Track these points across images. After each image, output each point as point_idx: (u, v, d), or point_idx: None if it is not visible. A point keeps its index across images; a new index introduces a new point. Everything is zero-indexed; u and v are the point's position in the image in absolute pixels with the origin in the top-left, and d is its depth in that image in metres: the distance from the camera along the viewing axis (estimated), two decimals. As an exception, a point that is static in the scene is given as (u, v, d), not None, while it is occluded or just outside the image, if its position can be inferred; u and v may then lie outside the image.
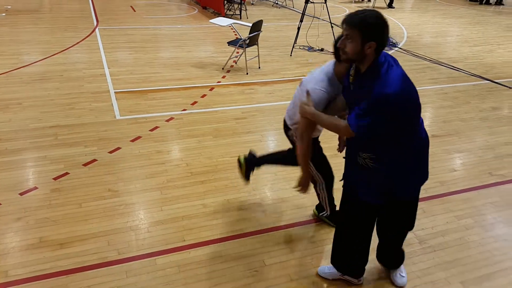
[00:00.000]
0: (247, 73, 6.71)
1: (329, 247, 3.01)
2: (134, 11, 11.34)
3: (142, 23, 9.88)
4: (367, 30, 1.94)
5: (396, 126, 2.04)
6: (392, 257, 2.75)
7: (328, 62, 2.51)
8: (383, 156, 2.18)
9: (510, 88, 6.61)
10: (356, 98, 2.11)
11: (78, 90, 5.62)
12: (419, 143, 2.21)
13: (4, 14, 9.98)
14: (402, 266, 2.79)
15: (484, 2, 16.32)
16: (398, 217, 2.48)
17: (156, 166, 3.94)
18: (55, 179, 3.68)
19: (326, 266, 2.78)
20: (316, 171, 3.01)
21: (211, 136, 4.58)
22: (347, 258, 2.60)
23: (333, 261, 2.69)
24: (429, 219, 3.37)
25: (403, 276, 2.74)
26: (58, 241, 2.96)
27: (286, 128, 2.97)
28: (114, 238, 3.01)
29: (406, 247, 3.04)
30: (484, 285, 2.73)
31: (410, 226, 2.55)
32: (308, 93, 2.40)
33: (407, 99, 2.00)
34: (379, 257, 2.81)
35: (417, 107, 2.08)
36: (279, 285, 2.67)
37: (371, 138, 2.14)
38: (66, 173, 3.76)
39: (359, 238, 2.52)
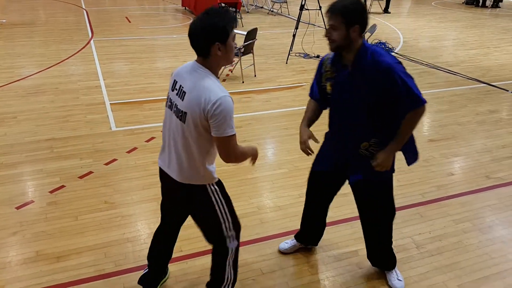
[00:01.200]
0: (243, 82, 6.72)
1: (325, 254, 3.00)
2: (129, 22, 11.39)
3: (137, 34, 9.92)
4: (349, 15, 2.10)
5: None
6: (382, 257, 2.75)
7: None
8: (386, 138, 2.32)
9: (507, 91, 6.62)
10: (357, 88, 2.22)
11: (73, 103, 5.63)
12: None
13: None
14: (397, 271, 2.79)
15: (480, 5, 16.42)
16: (376, 198, 2.56)
17: (153, 177, 3.93)
18: (51, 192, 3.66)
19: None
20: (230, 221, 2.28)
21: (207, 145, 4.57)
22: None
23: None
24: (426, 223, 3.36)
25: (400, 280, 2.73)
26: (55, 255, 2.94)
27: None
28: (111, 250, 3.00)
29: (404, 252, 3.03)
30: (483, 289, 2.72)
31: (391, 210, 2.59)
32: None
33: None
34: (370, 258, 2.82)
35: None
36: (277, 294, 2.66)
37: (386, 119, 2.28)
38: (62, 186, 3.75)
39: (306, 202, 2.87)
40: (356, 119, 2.30)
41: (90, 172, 3.98)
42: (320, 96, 2.49)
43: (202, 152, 2.05)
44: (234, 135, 1.96)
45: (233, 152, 2.01)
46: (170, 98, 2.09)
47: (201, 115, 1.91)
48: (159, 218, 3.33)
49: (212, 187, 2.18)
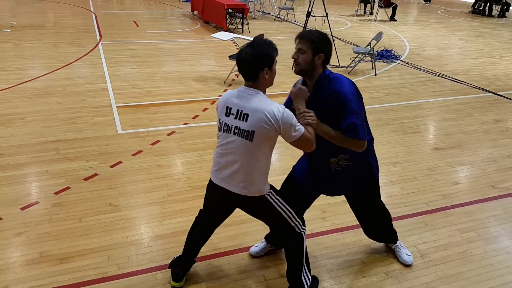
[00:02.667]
0: (249, 87, 6.73)
1: (329, 262, 2.98)
2: (137, 26, 11.47)
3: (145, 38, 9.98)
4: (317, 43, 2.35)
5: (364, 113, 2.46)
6: (384, 232, 2.99)
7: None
8: (354, 153, 2.50)
9: (512, 100, 6.60)
10: (318, 111, 2.37)
11: (80, 105, 5.66)
12: (371, 136, 2.65)
13: (9, 30, 10.12)
14: (404, 246, 3.04)
15: (486, 14, 16.40)
16: (369, 198, 2.81)
17: (157, 180, 3.94)
18: (56, 193, 3.68)
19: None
20: (292, 213, 2.52)
21: (212, 149, 4.59)
22: None
23: None
24: (431, 232, 3.34)
25: (409, 255, 2.99)
26: (59, 256, 2.95)
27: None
28: (114, 253, 3.00)
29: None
30: (488, 300, 2.70)
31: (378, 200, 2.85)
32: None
33: (360, 95, 2.47)
34: (373, 236, 3.01)
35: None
36: (280, 300, 2.65)
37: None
38: (67, 188, 3.77)
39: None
40: (321, 137, 2.42)
41: (95, 174, 4.00)
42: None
43: (265, 164, 2.36)
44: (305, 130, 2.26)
45: (312, 141, 2.29)
46: (226, 123, 2.33)
47: (271, 129, 2.20)
48: (162, 222, 3.35)
49: (269, 193, 2.45)
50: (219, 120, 2.38)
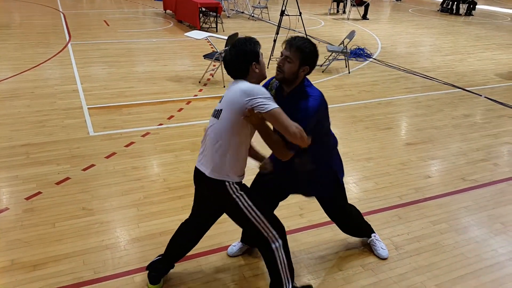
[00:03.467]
0: (224, 86, 6.72)
1: (307, 257, 3.01)
2: (108, 25, 11.27)
3: (116, 38, 9.82)
4: (307, 55, 2.31)
5: (324, 125, 2.50)
6: (358, 228, 3.04)
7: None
8: (316, 154, 2.53)
9: (480, 95, 6.81)
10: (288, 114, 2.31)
11: (49, 107, 5.52)
12: (335, 140, 2.69)
13: (-27, 31, 9.77)
14: (379, 240, 3.10)
15: (454, 12, 16.86)
16: (336, 199, 2.84)
17: (132, 183, 3.89)
18: (27, 199, 3.58)
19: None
20: (266, 222, 2.41)
21: (188, 150, 4.56)
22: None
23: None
24: (405, 225, 3.41)
25: (384, 249, 3.06)
26: (31, 263, 2.87)
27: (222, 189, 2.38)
28: (90, 258, 2.95)
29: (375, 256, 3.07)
30: (457, 287, 2.78)
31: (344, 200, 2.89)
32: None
33: (326, 107, 2.45)
34: (348, 232, 3.05)
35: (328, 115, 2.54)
36: (259, 298, 2.66)
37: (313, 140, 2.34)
38: (39, 193, 3.67)
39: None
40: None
41: (67, 178, 3.91)
42: None
43: (233, 152, 2.33)
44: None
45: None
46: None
47: (238, 102, 2.21)
48: (139, 224, 3.31)
49: (239, 194, 2.38)
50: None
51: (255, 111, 2.19)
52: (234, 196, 2.35)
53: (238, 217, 2.43)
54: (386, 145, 4.86)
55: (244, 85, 2.24)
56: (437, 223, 3.46)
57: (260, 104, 2.17)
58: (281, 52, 2.38)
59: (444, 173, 4.31)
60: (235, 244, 3.07)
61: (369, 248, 3.11)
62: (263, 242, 2.42)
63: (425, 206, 3.70)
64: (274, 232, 2.41)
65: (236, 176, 2.36)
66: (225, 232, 3.25)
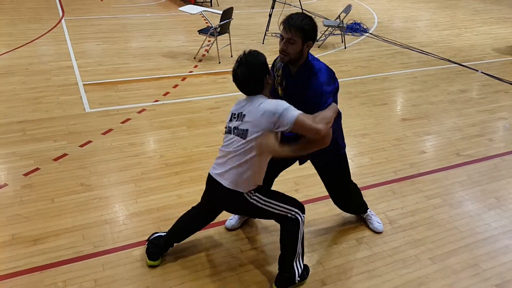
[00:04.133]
0: (219, 62, 6.67)
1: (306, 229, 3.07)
2: (101, 0, 11.06)
3: (109, 13, 9.66)
4: (308, 32, 2.30)
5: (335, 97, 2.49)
6: (355, 205, 3.05)
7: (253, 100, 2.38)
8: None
9: (476, 71, 6.80)
10: (293, 95, 2.43)
11: (45, 84, 5.48)
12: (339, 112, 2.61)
13: (-37, 5, 9.57)
14: (374, 215, 3.16)
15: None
16: (337, 173, 2.85)
17: (130, 159, 3.90)
18: (25, 175, 3.60)
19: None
20: (285, 206, 2.49)
21: (184, 126, 4.56)
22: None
23: None
24: (399, 200, 3.47)
25: (380, 223, 3.12)
26: (32, 238, 2.91)
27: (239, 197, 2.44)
28: (89, 232, 2.99)
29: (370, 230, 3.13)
30: (450, 260, 2.85)
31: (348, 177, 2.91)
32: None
33: (335, 78, 2.47)
34: (344, 209, 3.07)
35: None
36: (257, 269, 2.72)
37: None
38: (37, 169, 3.69)
39: None
40: None
41: (65, 155, 3.92)
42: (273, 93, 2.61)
43: (255, 169, 2.40)
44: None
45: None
46: (228, 126, 2.44)
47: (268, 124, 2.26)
48: (137, 200, 3.35)
49: (255, 196, 2.45)
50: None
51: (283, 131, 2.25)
52: (251, 200, 2.44)
53: (257, 214, 2.55)
54: (382, 121, 4.89)
55: (266, 104, 2.27)
56: (431, 197, 3.52)
57: (286, 121, 2.20)
58: (281, 35, 2.36)
59: (439, 148, 4.35)
60: (232, 217, 3.11)
61: (364, 223, 3.17)
62: (289, 221, 2.48)
63: (419, 181, 3.75)
64: (296, 210, 2.48)
65: (255, 185, 2.44)
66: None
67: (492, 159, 4.16)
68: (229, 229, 3.07)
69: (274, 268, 2.71)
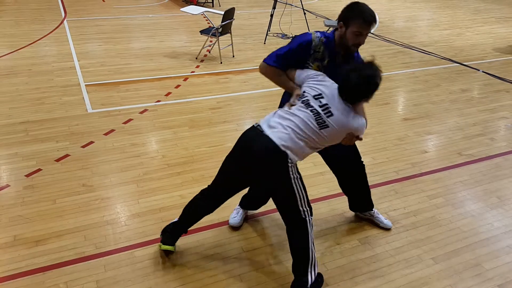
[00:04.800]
0: (221, 62, 6.68)
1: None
2: (103, 1, 11.08)
3: (111, 13, 9.68)
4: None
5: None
6: (366, 199, 3.09)
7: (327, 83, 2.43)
8: None
9: (478, 70, 6.79)
10: (335, 73, 2.42)
11: (47, 84, 5.49)
12: None
13: (-34, 7, 9.60)
14: (379, 213, 3.18)
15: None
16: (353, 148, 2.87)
17: (132, 159, 3.91)
18: (27, 176, 3.61)
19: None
20: (305, 198, 2.43)
21: (186, 127, 4.57)
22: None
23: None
24: (401, 199, 3.47)
25: (387, 219, 3.15)
26: (33, 239, 2.92)
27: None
28: (91, 233, 2.99)
29: (380, 228, 3.12)
30: (453, 261, 2.84)
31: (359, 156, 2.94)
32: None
33: None
34: (354, 206, 3.14)
35: None
36: (259, 269, 2.72)
37: None
38: (39, 170, 3.70)
39: None
40: None
41: (67, 155, 3.93)
42: (285, 70, 2.55)
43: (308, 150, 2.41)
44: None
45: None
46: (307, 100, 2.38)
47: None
48: (139, 200, 3.35)
49: (294, 166, 2.38)
50: (304, 92, 2.41)
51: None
52: (290, 172, 2.33)
53: (282, 193, 2.40)
54: (383, 121, 4.88)
55: (357, 121, 2.34)
56: (433, 197, 3.52)
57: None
58: (361, 32, 2.42)
59: (441, 148, 4.34)
60: (234, 214, 3.11)
61: (371, 222, 3.16)
62: (299, 217, 2.40)
63: (421, 180, 3.75)
64: (308, 208, 2.44)
65: (298, 158, 2.35)
66: (224, 208, 3.29)
67: (494, 159, 4.15)
68: (234, 227, 3.07)
69: (277, 269, 2.72)
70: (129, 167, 3.78)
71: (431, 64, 6.99)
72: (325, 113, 2.31)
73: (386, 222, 3.12)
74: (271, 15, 7.93)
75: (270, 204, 3.35)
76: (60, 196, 3.36)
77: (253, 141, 2.34)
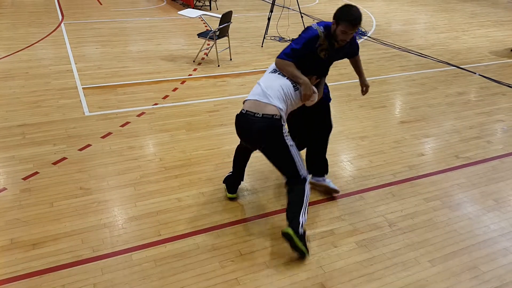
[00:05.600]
0: (218, 65, 6.69)
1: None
2: (101, 4, 11.09)
3: (109, 17, 9.68)
4: None
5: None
6: (323, 163, 3.52)
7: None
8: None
9: (474, 73, 6.82)
10: (335, 58, 3.25)
11: (44, 87, 5.49)
12: None
13: (-37, 10, 9.59)
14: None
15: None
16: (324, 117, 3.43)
17: (129, 162, 3.91)
18: (24, 179, 3.60)
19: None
20: (301, 161, 2.96)
21: (184, 130, 4.57)
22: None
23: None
24: (398, 202, 3.47)
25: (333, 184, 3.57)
26: (30, 242, 2.91)
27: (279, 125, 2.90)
28: (88, 236, 2.99)
29: (377, 230, 3.13)
30: (450, 263, 2.85)
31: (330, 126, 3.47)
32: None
33: None
34: (313, 168, 3.51)
35: None
36: (256, 273, 2.72)
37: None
38: (36, 173, 3.69)
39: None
40: (327, 72, 3.34)
41: (64, 158, 3.92)
42: (296, 62, 3.05)
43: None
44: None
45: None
46: None
47: None
48: (136, 203, 3.35)
49: (287, 134, 2.94)
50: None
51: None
52: (284, 135, 2.87)
53: (282, 153, 2.89)
54: (380, 124, 4.90)
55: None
56: (430, 200, 3.53)
57: None
58: (347, 31, 2.87)
59: (438, 150, 4.36)
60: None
61: (322, 188, 3.50)
62: (297, 175, 2.90)
63: (418, 183, 3.76)
64: (305, 169, 2.95)
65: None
66: (220, 211, 3.30)
67: (490, 161, 4.17)
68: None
69: (274, 272, 2.72)
70: (126, 170, 3.78)
71: (428, 67, 7.03)
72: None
73: (332, 185, 3.50)
74: (269, 19, 7.95)
75: (268, 207, 3.35)
76: (57, 199, 3.35)
77: (247, 120, 3.01)
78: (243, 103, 3.07)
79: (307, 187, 2.91)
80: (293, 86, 2.99)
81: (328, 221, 3.22)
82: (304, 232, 2.80)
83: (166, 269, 2.72)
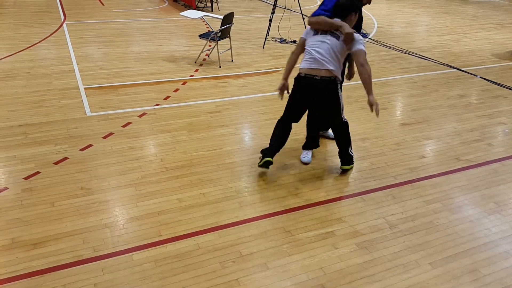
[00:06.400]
0: (220, 66, 6.69)
1: (303, 236, 3.07)
2: (103, 4, 11.11)
3: (111, 17, 9.70)
4: None
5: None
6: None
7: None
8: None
9: (475, 76, 6.82)
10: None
11: (46, 87, 5.50)
12: None
13: (-35, 9, 9.62)
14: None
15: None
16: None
17: (130, 163, 3.91)
18: (25, 178, 3.61)
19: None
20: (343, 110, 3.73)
21: (185, 130, 4.57)
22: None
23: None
24: (399, 204, 3.47)
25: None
26: (31, 241, 2.91)
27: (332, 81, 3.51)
28: (89, 236, 2.99)
29: (377, 232, 3.13)
30: (451, 266, 2.85)
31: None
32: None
33: None
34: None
35: None
36: (257, 273, 2.72)
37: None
38: (37, 172, 3.69)
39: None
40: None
41: (66, 158, 3.93)
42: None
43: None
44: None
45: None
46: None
47: None
48: (137, 204, 3.35)
49: (340, 84, 3.67)
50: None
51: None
52: (339, 90, 3.58)
53: (335, 106, 3.58)
54: (382, 126, 4.90)
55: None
56: (431, 202, 3.53)
57: None
58: None
59: (439, 153, 4.36)
60: (305, 154, 4.06)
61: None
62: (340, 119, 3.65)
63: (419, 185, 3.76)
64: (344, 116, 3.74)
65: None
66: (222, 212, 3.30)
67: (491, 164, 4.17)
68: (306, 163, 4.00)
69: (274, 273, 2.72)
70: (127, 171, 3.78)
71: (429, 70, 7.03)
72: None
73: (330, 133, 4.32)
74: (270, 20, 7.97)
75: (269, 208, 3.35)
76: (58, 199, 3.36)
77: (310, 82, 3.55)
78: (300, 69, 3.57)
79: (348, 127, 3.71)
80: (336, 39, 3.44)
81: (328, 223, 3.22)
82: (353, 157, 3.87)
83: (167, 270, 2.72)
